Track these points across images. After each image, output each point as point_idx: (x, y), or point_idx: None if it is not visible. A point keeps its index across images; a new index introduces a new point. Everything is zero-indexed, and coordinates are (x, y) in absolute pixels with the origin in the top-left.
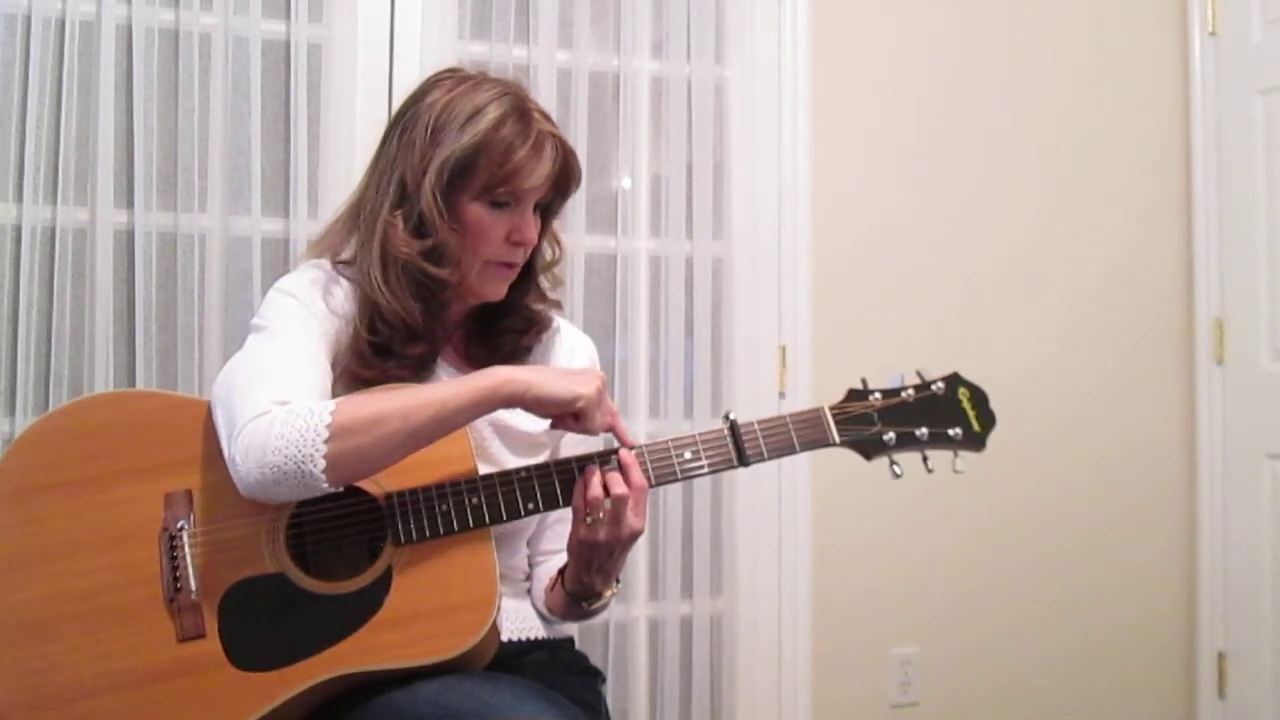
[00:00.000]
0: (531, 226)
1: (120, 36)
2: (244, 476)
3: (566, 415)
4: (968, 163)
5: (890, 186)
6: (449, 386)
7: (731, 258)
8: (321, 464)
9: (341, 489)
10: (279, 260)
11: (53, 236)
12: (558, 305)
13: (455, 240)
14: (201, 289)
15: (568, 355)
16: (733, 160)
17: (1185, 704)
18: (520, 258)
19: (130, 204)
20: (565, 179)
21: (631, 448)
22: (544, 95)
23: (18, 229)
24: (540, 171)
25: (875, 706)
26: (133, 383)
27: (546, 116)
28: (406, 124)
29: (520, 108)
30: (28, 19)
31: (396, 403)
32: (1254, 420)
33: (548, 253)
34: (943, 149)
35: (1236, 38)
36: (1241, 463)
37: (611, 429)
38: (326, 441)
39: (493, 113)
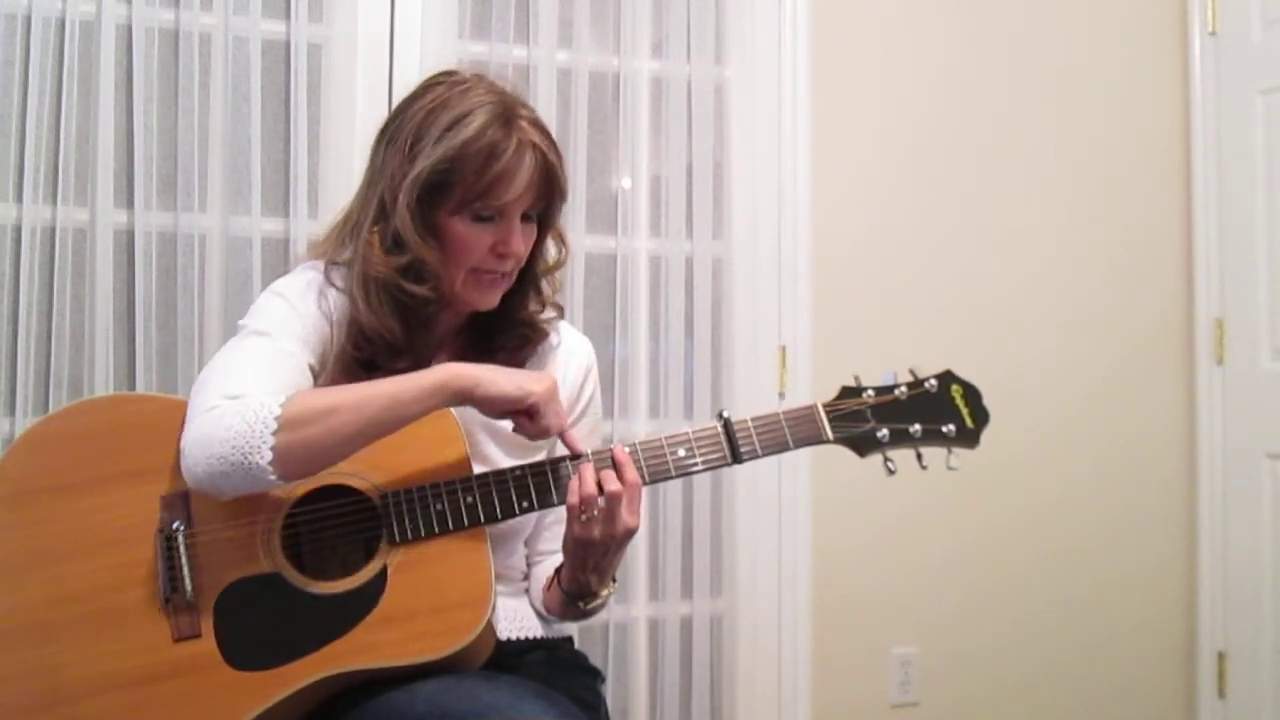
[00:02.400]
0: (518, 238)
1: (120, 36)
2: (191, 468)
3: (520, 414)
4: (968, 163)
5: (890, 186)
6: (401, 381)
7: (731, 258)
8: (268, 455)
9: (289, 481)
10: (279, 260)
11: (53, 236)
12: (559, 309)
13: (433, 256)
14: (201, 289)
15: (564, 363)
16: (733, 160)
17: (1185, 704)
18: (509, 268)
19: (130, 204)
20: (548, 189)
21: (580, 455)
22: (544, 95)
23: (18, 229)
24: (518, 184)
25: (875, 706)
26: (133, 382)
27: (535, 123)
28: (392, 135)
29: (505, 115)
30: (28, 19)
31: (348, 395)
32: (1254, 420)
33: (550, 254)
34: (943, 149)
35: (1236, 38)
36: (1241, 463)
37: (561, 433)
38: (275, 433)
39: (472, 125)
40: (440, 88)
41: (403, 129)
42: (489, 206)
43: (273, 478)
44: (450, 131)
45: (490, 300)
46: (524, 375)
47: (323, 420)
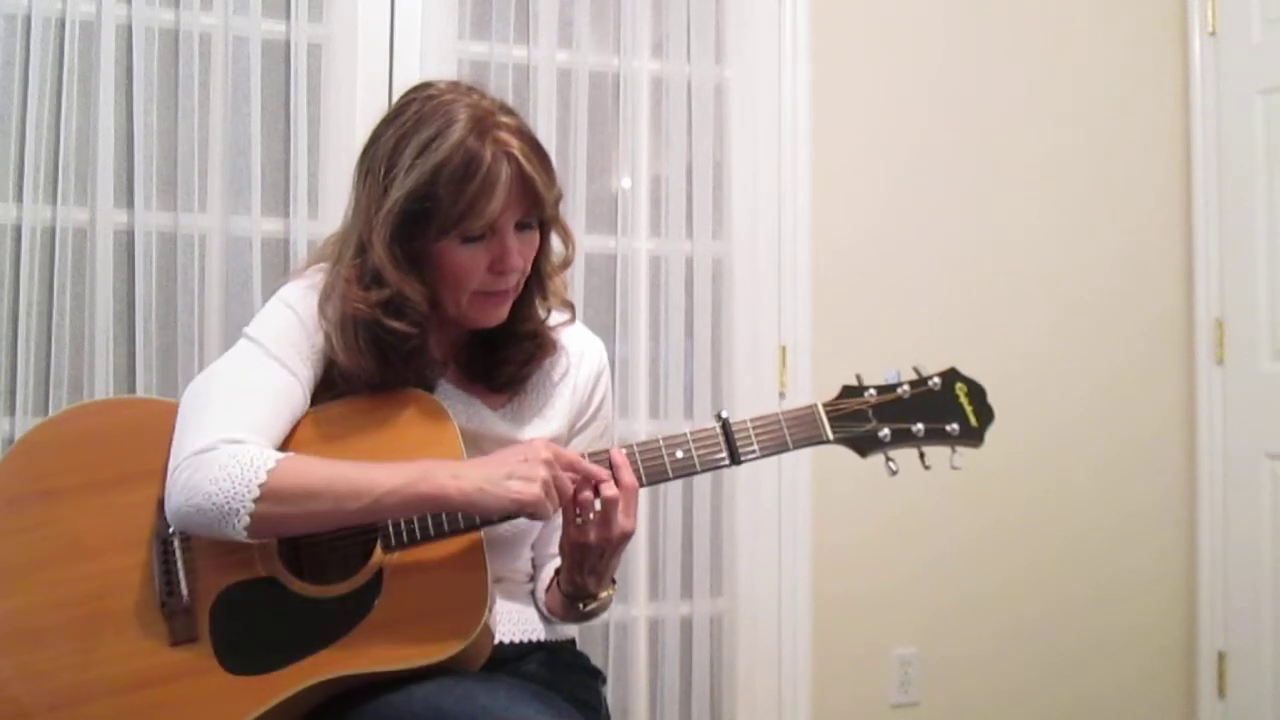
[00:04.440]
0: (514, 254)
1: (120, 36)
2: (173, 507)
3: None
4: (968, 162)
5: (890, 186)
6: (390, 479)
7: (731, 258)
8: (245, 520)
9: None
10: (279, 260)
11: (53, 236)
12: (570, 308)
13: (415, 290)
14: (201, 289)
15: (574, 371)
16: (733, 160)
17: (1185, 704)
18: (513, 282)
19: (130, 204)
20: (533, 196)
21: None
22: (544, 95)
23: (18, 229)
24: (497, 200)
25: (875, 706)
26: (133, 383)
27: (514, 129)
28: (368, 164)
29: (480, 128)
30: (28, 19)
31: (334, 484)
32: (1254, 420)
33: (556, 253)
34: (943, 149)
35: (1236, 38)
36: (1241, 463)
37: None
38: (256, 500)
39: (443, 147)
40: (413, 106)
41: (376, 157)
42: (473, 227)
43: (244, 539)
44: (421, 158)
45: (497, 317)
46: (515, 478)
47: (303, 503)
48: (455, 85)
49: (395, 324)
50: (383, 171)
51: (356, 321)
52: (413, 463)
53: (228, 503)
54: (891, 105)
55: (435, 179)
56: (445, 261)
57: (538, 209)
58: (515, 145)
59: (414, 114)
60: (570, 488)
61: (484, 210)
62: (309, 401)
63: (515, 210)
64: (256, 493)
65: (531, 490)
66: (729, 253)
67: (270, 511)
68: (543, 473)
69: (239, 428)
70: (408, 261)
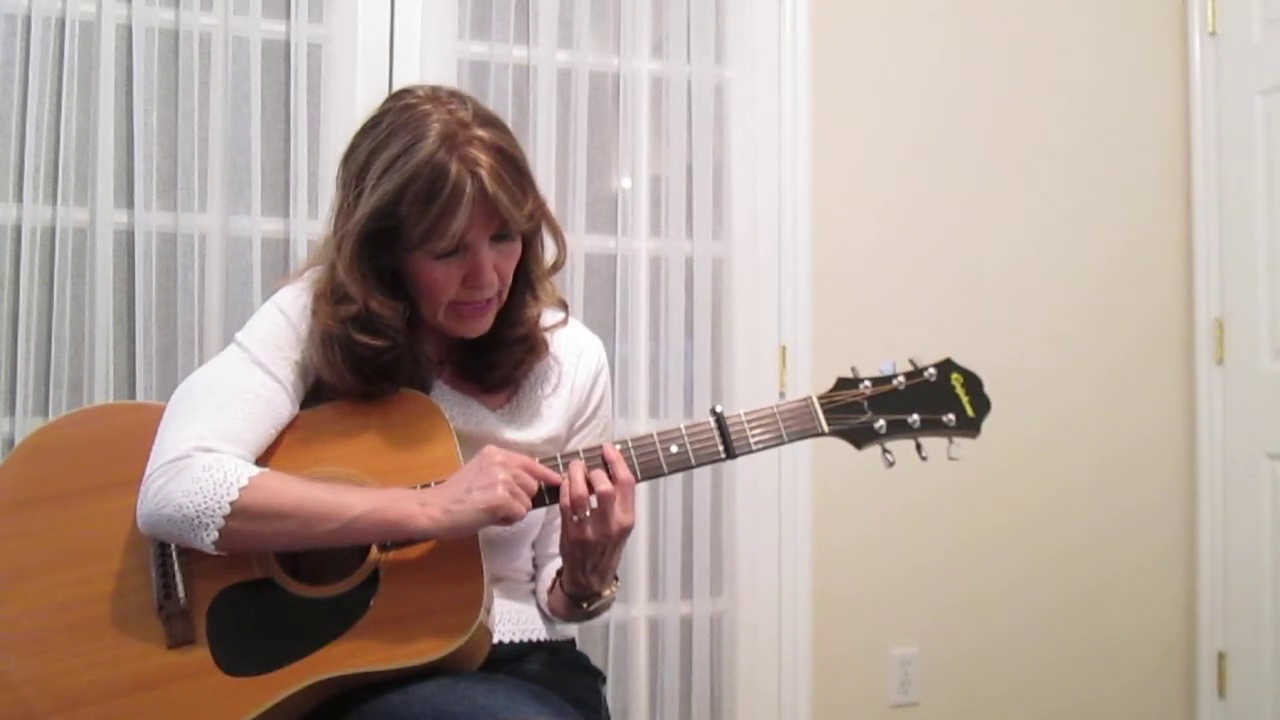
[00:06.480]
0: (487, 269)
1: (120, 36)
2: (144, 513)
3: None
4: (968, 162)
5: (890, 186)
6: (360, 504)
7: (731, 258)
8: (214, 535)
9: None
10: (279, 260)
11: (53, 236)
12: (564, 306)
13: (384, 306)
14: (201, 289)
15: (572, 370)
16: (733, 160)
17: (1185, 704)
18: (489, 295)
19: (130, 204)
20: (500, 215)
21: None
22: (544, 95)
23: (18, 229)
24: (461, 220)
25: (875, 706)
26: (133, 383)
27: (486, 144)
28: (345, 179)
29: (449, 143)
30: (28, 19)
31: (305, 505)
32: (1254, 420)
33: (547, 257)
34: (943, 149)
35: (1236, 38)
36: (1241, 463)
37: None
38: (227, 517)
39: (407, 166)
40: (388, 118)
41: (349, 171)
42: (438, 246)
43: (211, 551)
44: (386, 176)
45: (478, 329)
46: (474, 489)
47: (272, 522)
48: (434, 93)
49: (365, 339)
50: (353, 185)
51: (331, 338)
52: (383, 490)
53: (198, 516)
54: (891, 105)
55: (399, 198)
56: (419, 276)
57: (507, 226)
58: (483, 162)
59: (387, 126)
60: (533, 483)
61: (447, 230)
62: (296, 405)
63: (483, 228)
64: (228, 509)
65: (496, 495)
66: (729, 253)
67: (240, 528)
68: (501, 475)
69: (215, 436)
70: (377, 276)
